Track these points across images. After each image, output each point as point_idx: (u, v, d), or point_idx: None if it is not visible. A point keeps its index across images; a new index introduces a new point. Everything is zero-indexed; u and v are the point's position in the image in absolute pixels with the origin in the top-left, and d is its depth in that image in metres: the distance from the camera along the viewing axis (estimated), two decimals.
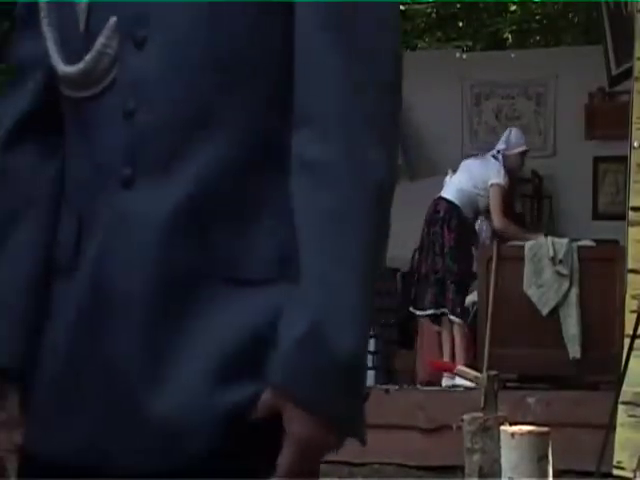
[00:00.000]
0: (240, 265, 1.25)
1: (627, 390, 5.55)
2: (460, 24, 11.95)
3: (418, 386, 7.19)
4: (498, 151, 7.66)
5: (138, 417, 1.23)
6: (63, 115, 1.35)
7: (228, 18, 1.26)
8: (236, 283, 1.24)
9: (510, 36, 12.05)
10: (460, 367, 5.73)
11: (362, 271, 1.21)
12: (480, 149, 9.06)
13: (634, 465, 4.66)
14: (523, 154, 7.83)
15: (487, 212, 7.59)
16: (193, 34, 1.26)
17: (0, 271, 1.36)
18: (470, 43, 11.54)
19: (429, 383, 7.30)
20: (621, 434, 5.61)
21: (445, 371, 6.78)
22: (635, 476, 4.49)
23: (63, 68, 1.30)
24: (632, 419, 5.57)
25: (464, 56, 9.99)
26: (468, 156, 9.05)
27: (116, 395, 1.24)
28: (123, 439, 1.24)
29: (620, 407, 5.56)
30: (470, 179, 7.47)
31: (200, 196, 1.24)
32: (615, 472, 5.60)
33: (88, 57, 1.28)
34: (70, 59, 1.30)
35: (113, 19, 1.27)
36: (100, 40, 1.27)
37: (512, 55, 9.90)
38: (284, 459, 1.20)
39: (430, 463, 6.19)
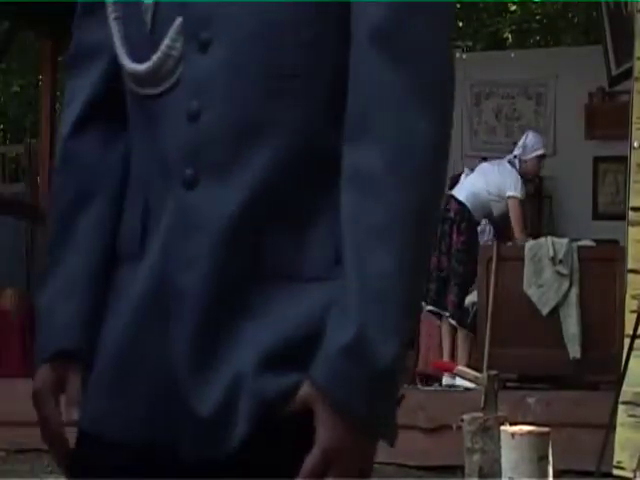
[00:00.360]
0: (293, 264, 1.27)
1: (627, 390, 5.55)
2: (460, 24, 11.95)
3: (418, 386, 7.19)
4: (515, 156, 7.63)
5: (187, 406, 1.25)
6: (127, 106, 1.37)
7: (291, 24, 1.27)
8: (288, 279, 1.26)
9: (510, 36, 12.06)
10: (460, 367, 5.74)
11: (406, 280, 1.22)
12: (480, 149, 9.09)
13: (634, 465, 4.67)
14: (540, 158, 7.78)
15: (500, 219, 7.58)
16: (257, 37, 1.27)
17: (68, 257, 1.39)
18: (470, 43, 11.56)
19: (429, 377, 7.30)
20: (621, 434, 5.61)
21: (445, 371, 6.78)
22: (635, 476, 4.49)
23: (129, 65, 1.33)
24: (632, 419, 5.57)
25: (464, 56, 10.00)
26: (468, 156, 9.09)
27: (168, 385, 1.27)
28: (170, 427, 1.27)
29: (620, 407, 5.57)
30: (485, 184, 7.45)
31: (259, 199, 1.26)
32: (615, 472, 5.60)
33: (155, 57, 1.30)
34: (135, 56, 1.32)
35: (179, 20, 1.29)
36: (166, 42, 1.29)
37: (512, 55, 9.92)
38: (310, 459, 1.21)
39: (430, 463, 6.19)
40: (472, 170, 7.67)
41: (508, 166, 7.56)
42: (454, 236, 7.30)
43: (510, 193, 7.43)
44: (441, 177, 1.29)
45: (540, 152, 7.74)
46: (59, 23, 7.28)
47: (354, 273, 1.22)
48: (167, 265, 1.28)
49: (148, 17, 1.31)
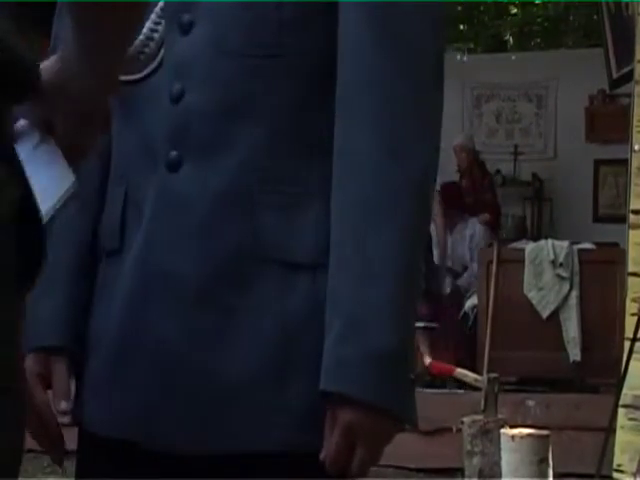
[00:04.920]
0: (289, 249, 1.26)
1: (627, 393, 5.54)
2: (461, 27, 11.95)
3: (418, 389, 7.18)
4: None
5: (184, 398, 1.25)
6: None
7: (273, 2, 1.27)
8: (285, 266, 1.26)
9: (511, 38, 12.05)
10: (459, 370, 5.73)
11: (398, 262, 1.22)
12: (480, 152, 9.08)
13: (634, 468, 4.66)
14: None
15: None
16: (239, 17, 1.27)
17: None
18: (471, 45, 11.55)
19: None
20: (621, 437, 5.60)
21: (445, 373, 6.77)
22: (635, 479, 4.48)
23: None
24: (632, 422, 5.56)
25: (465, 58, 9.99)
26: None
27: (164, 375, 1.26)
28: (167, 420, 1.26)
29: (620, 410, 5.56)
30: None
31: (245, 180, 1.26)
32: (615, 475, 5.59)
33: (136, 42, 1.29)
34: None
35: (160, 4, 1.29)
36: (147, 25, 1.29)
37: (513, 57, 9.92)
38: (329, 442, 1.22)
39: (430, 465, 6.19)
40: None
41: None
42: None
43: None
44: (434, 145, 1.28)
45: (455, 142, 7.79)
46: None
47: (346, 255, 1.22)
48: (153, 252, 1.27)
49: None
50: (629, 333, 5.56)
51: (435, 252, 7.75)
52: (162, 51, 1.29)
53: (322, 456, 1.22)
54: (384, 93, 1.24)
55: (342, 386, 1.20)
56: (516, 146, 9.42)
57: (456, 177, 8.43)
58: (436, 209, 7.94)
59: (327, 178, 1.26)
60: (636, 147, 5.89)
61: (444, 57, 1.31)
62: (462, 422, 5.02)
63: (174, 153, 1.27)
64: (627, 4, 7.16)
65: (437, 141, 1.29)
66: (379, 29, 1.24)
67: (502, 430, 4.70)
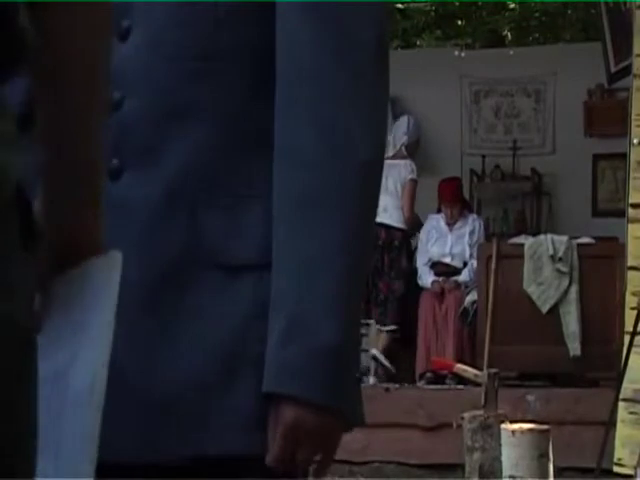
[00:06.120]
0: (232, 250, 1.25)
1: (627, 387, 5.55)
2: (459, 22, 11.94)
3: (418, 384, 7.18)
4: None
5: (131, 405, 1.22)
6: None
7: (206, 6, 1.26)
8: (228, 268, 1.24)
9: (509, 34, 12.04)
10: (459, 365, 5.73)
11: (339, 260, 1.20)
12: (479, 147, 9.08)
13: (635, 462, 4.66)
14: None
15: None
16: (173, 19, 1.26)
17: None
18: (469, 41, 11.54)
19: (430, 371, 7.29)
20: (621, 431, 5.61)
21: (445, 369, 6.78)
22: (636, 473, 4.48)
23: None
24: (632, 416, 5.57)
25: (463, 54, 9.98)
26: (467, 154, 9.08)
27: (110, 382, 1.23)
28: (114, 427, 1.22)
29: (620, 404, 5.56)
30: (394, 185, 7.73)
31: (186, 183, 1.25)
32: (615, 469, 5.59)
33: None
34: None
35: None
36: None
37: (511, 52, 9.90)
38: (273, 443, 1.20)
39: (430, 461, 6.19)
40: None
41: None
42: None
43: (411, 176, 7.69)
44: (378, 137, 1.25)
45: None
46: None
47: (286, 255, 1.20)
48: None
49: None
50: (629, 327, 5.56)
51: (435, 248, 7.75)
52: None
53: (267, 457, 1.21)
54: (321, 86, 1.22)
55: (284, 386, 1.19)
56: (515, 141, 9.40)
57: (456, 174, 8.43)
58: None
59: (271, 176, 1.24)
60: (635, 141, 5.89)
61: (387, 43, 1.28)
62: (462, 418, 5.02)
63: (115, 161, 1.26)
64: None
65: (381, 133, 1.26)
66: (314, 20, 1.23)
67: (502, 425, 4.70)
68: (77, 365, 0.99)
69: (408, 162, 7.81)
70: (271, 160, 1.24)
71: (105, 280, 1.04)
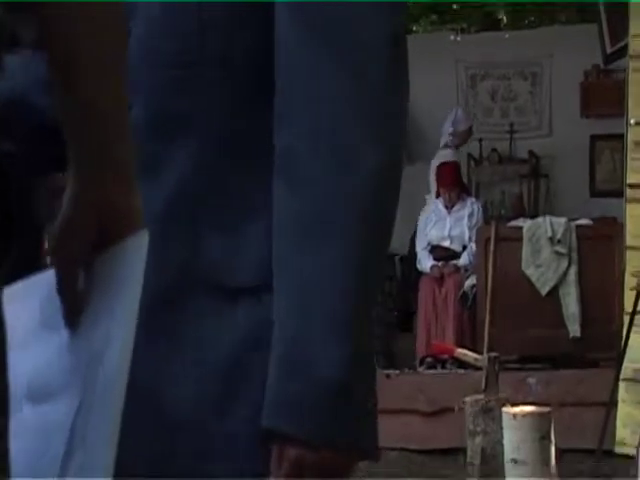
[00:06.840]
0: (231, 271, 1.19)
1: (628, 367, 5.55)
2: (454, 6, 11.89)
3: (419, 369, 7.18)
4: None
5: (133, 428, 1.19)
6: None
7: (194, 7, 1.20)
8: (227, 290, 1.18)
9: (504, 17, 12.00)
10: (460, 350, 5.72)
11: (340, 282, 1.12)
12: (477, 131, 9.05)
13: (636, 442, 4.65)
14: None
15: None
16: (162, 20, 1.21)
17: None
18: (464, 25, 11.49)
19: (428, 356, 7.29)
20: (622, 411, 5.61)
21: (445, 354, 6.77)
22: (638, 452, 4.48)
23: None
24: (633, 396, 5.57)
25: (458, 38, 9.95)
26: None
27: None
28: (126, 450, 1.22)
29: (621, 384, 5.56)
30: None
31: (184, 200, 1.19)
32: (617, 449, 5.59)
33: None
34: None
35: None
36: None
37: (506, 35, 9.86)
38: (277, 478, 1.14)
39: (432, 446, 6.18)
40: None
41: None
42: None
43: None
44: (389, 148, 1.16)
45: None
46: None
47: (285, 277, 1.13)
48: None
49: None
50: (628, 307, 5.56)
51: (434, 232, 7.76)
52: None
53: None
54: (318, 90, 1.13)
55: (281, 424, 1.12)
56: (512, 124, 9.39)
57: (454, 157, 8.42)
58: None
59: (271, 192, 1.17)
60: (632, 121, 5.88)
61: (401, 39, 1.17)
62: (464, 402, 5.01)
63: None
64: None
65: (392, 134, 1.16)
66: (310, 22, 1.15)
67: (504, 409, 4.70)
68: (112, 346, 0.97)
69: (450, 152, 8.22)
70: (270, 174, 1.16)
71: (130, 263, 1.01)
